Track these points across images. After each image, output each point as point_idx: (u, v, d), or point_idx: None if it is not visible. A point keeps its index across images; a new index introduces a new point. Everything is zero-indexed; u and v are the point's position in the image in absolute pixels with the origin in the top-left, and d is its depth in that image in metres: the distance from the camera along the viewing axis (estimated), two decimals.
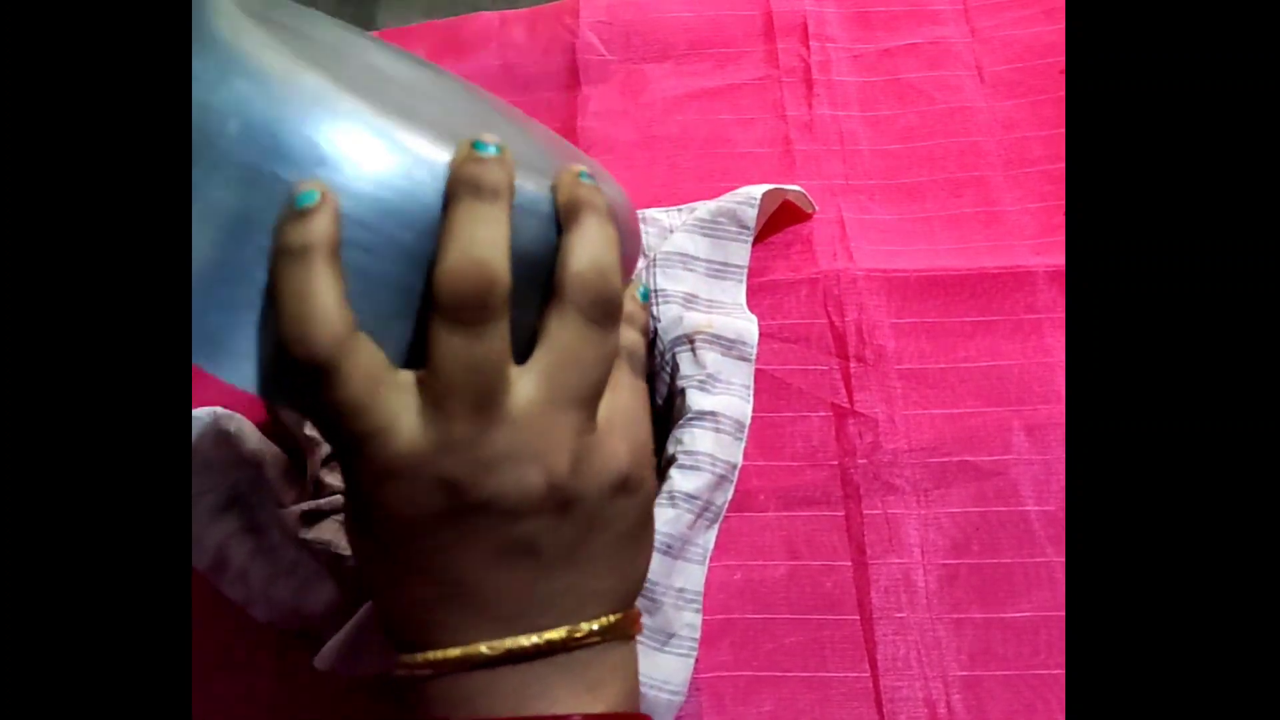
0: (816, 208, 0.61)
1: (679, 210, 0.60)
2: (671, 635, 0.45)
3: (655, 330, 0.49)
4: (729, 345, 0.52)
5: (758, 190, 0.55)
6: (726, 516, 0.51)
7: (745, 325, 0.53)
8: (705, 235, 0.54)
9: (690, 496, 0.46)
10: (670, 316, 0.49)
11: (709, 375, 0.48)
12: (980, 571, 0.50)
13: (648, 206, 0.61)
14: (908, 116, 0.67)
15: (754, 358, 0.52)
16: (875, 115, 0.67)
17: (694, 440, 0.47)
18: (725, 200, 0.55)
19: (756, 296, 0.57)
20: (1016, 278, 0.58)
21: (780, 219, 0.61)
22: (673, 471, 0.46)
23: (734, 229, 0.54)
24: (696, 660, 0.47)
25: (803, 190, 0.60)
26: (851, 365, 0.56)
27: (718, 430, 0.47)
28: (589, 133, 0.67)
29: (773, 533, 0.51)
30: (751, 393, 0.52)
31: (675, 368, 0.48)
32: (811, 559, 0.50)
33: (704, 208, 0.55)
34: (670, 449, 0.47)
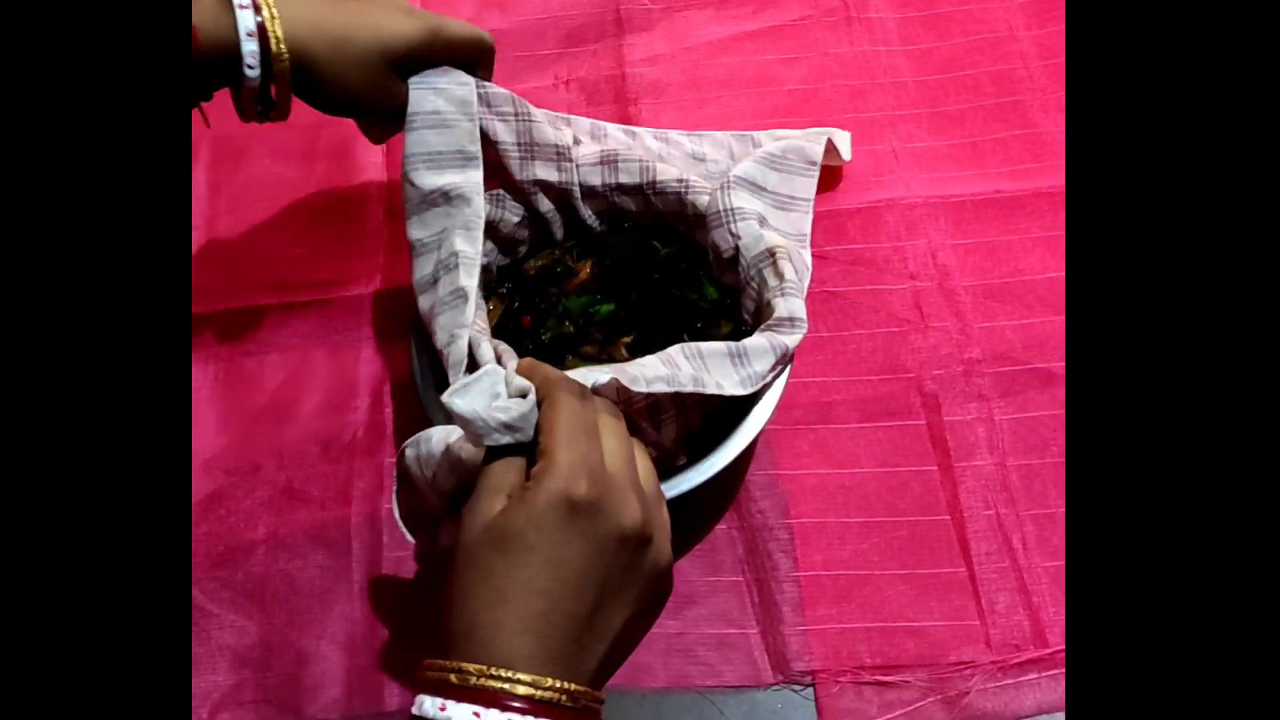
0: (848, 159, 0.61)
1: (700, 136, 0.61)
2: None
3: (737, 246, 0.50)
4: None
5: (823, 132, 0.57)
6: (814, 427, 0.52)
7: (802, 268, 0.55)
8: (774, 169, 0.55)
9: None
10: (751, 234, 0.50)
11: (790, 283, 0.50)
12: (1062, 470, 0.51)
13: None
14: (945, 48, 0.69)
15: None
16: (915, 48, 0.69)
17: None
18: (793, 138, 0.57)
19: (821, 225, 0.59)
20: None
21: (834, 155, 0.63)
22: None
23: (801, 164, 0.56)
24: (795, 559, 0.49)
25: (848, 135, 0.61)
26: (919, 284, 0.57)
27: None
28: (638, 79, 0.68)
29: (858, 442, 0.53)
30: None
31: (763, 281, 0.50)
32: (898, 465, 0.52)
33: (772, 145, 0.56)
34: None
